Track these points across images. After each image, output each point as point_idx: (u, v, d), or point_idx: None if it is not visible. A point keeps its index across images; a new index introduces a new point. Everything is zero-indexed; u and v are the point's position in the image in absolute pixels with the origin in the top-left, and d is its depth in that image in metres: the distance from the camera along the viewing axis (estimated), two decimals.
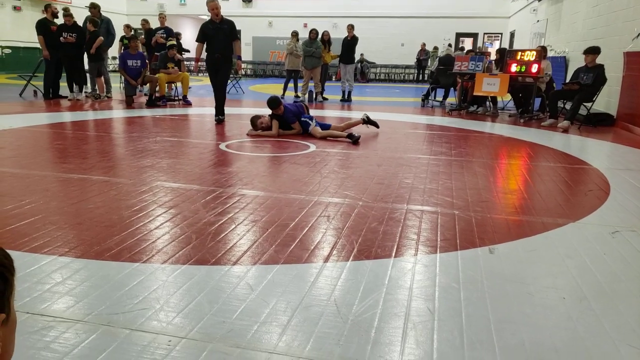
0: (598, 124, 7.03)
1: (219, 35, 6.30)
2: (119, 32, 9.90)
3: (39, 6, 11.95)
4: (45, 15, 8.76)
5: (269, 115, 5.63)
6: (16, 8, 16.78)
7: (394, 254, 2.28)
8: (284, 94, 10.68)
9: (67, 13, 8.65)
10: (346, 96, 10.62)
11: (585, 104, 6.89)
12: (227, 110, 8.23)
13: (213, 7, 6.23)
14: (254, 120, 5.66)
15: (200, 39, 6.41)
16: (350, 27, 10.67)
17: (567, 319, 1.74)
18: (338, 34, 15.26)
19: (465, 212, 2.93)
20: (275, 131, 5.51)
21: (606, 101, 7.48)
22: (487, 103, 8.76)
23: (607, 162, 4.75)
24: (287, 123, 5.61)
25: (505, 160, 4.74)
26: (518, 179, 3.95)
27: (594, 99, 6.83)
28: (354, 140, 5.31)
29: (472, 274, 2.07)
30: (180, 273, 2.04)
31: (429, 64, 18.51)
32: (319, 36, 10.25)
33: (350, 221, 2.73)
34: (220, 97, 6.57)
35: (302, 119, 5.66)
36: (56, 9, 8.97)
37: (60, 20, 8.83)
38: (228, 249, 2.31)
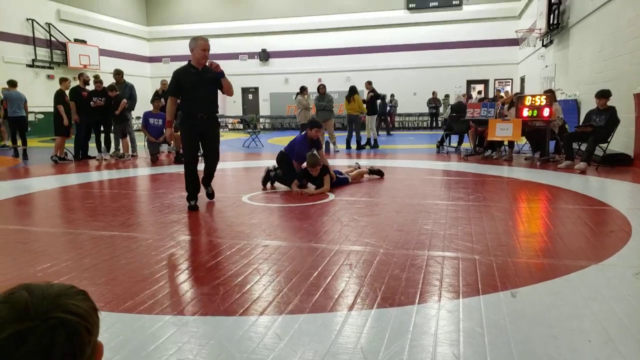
0: (616, 164, 7.03)
1: (202, 86, 4.52)
2: (145, 94, 10.46)
3: (70, 74, 12.91)
4: (77, 83, 9.38)
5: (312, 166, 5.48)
6: (50, 77, 17.94)
7: (417, 301, 2.32)
8: None
9: (98, 80, 9.28)
10: (372, 143, 11.48)
11: (600, 145, 6.93)
12: (247, 163, 8.45)
13: (205, 47, 4.48)
14: (317, 160, 5.39)
15: (174, 91, 4.53)
16: (368, 84, 11.83)
17: None
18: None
19: (486, 257, 2.96)
20: (328, 186, 5.46)
21: (623, 142, 7.51)
22: (503, 147, 8.87)
23: (628, 202, 4.73)
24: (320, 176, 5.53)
25: (523, 203, 4.77)
26: (537, 222, 3.97)
27: (608, 139, 6.88)
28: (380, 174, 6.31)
29: (495, 318, 2.09)
30: (211, 324, 2.11)
31: (441, 111, 18.91)
32: (327, 90, 11.11)
33: (373, 269, 2.79)
34: (213, 167, 4.93)
35: (339, 176, 5.78)
36: (88, 77, 9.61)
37: (90, 87, 9.45)
38: (255, 299, 2.38)
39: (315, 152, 5.53)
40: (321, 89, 10.80)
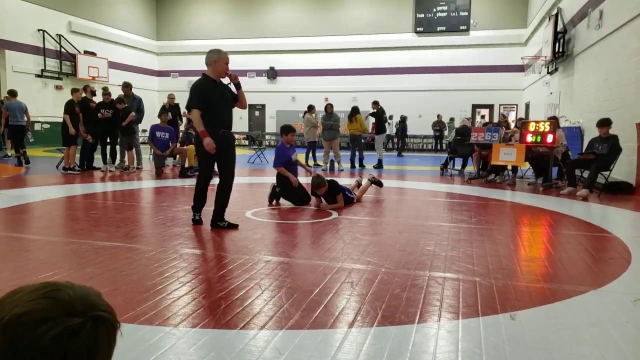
0: (618, 192, 7.04)
1: (223, 100, 4.34)
2: (153, 107, 10.62)
3: (78, 86, 13.05)
4: (85, 94, 9.52)
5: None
6: (58, 87, 18.20)
7: (417, 320, 2.33)
8: (307, 163, 11.26)
9: (106, 92, 9.42)
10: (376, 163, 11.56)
11: (602, 172, 6.96)
12: (252, 179, 8.48)
13: (228, 61, 4.32)
14: (322, 181, 5.56)
15: (201, 104, 4.19)
16: (374, 104, 11.97)
17: None
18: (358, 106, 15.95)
19: (487, 279, 2.97)
20: (342, 203, 5.65)
21: (625, 170, 7.53)
22: (507, 171, 8.90)
23: (629, 230, 4.74)
24: (333, 193, 5.69)
25: (525, 228, 4.78)
26: (538, 247, 3.98)
27: (610, 167, 6.91)
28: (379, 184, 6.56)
29: (494, 340, 2.10)
30: (211, 337, 2.13)
31: (445, 134, 19.03)
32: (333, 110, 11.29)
33: (374, 287, 2.81)
34: (227, 193, 4.50)
35: (348, 195, 5.86)
36: (94, 88, 9.78)
37: (97, 98, 9.60)
38: (256, 313, 2.40)
39: (294, 160, 6.04)
40: (328, 108, 11.01)
